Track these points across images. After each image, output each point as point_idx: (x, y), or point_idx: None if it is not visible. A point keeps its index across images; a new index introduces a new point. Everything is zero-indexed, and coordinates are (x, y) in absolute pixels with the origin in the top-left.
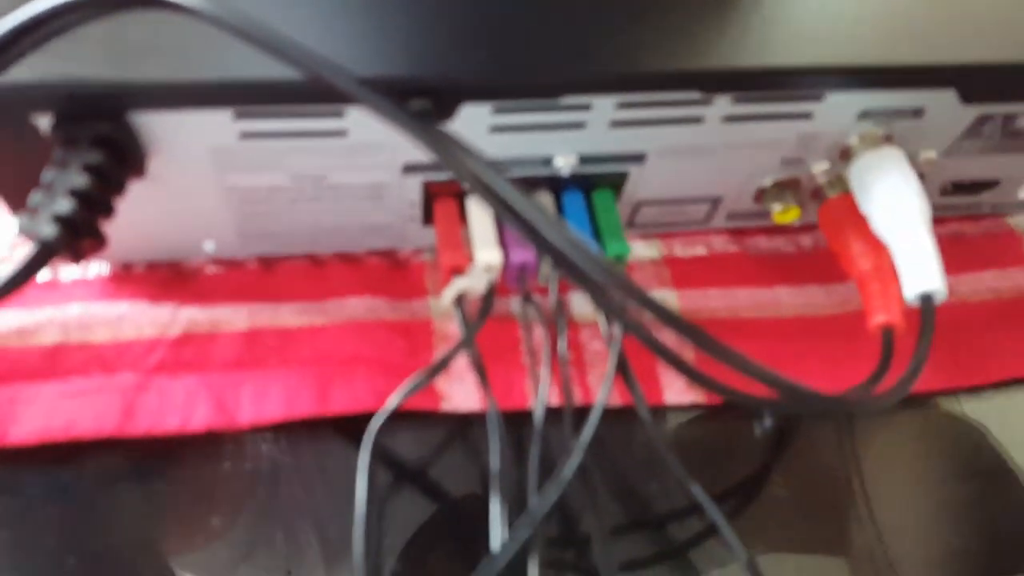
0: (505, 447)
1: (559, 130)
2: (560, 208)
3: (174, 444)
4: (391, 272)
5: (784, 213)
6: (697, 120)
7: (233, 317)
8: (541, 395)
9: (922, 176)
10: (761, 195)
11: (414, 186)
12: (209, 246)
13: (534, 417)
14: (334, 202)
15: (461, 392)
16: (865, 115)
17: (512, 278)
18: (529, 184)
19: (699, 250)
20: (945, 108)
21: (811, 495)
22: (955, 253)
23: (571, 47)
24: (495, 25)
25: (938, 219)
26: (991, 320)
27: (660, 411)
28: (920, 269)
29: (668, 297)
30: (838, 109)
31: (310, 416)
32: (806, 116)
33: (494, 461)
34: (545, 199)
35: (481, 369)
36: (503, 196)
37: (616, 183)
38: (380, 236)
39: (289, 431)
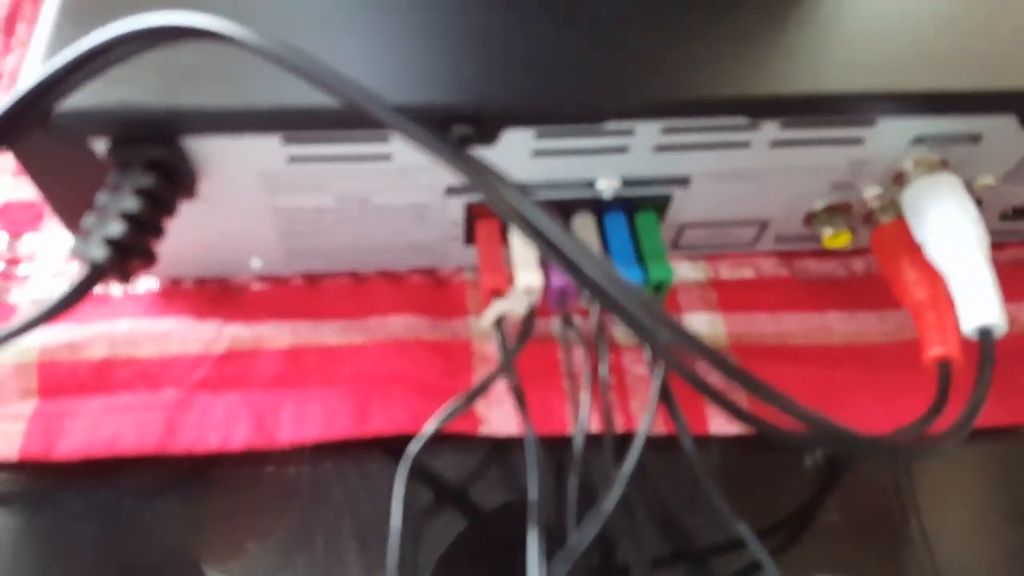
0: (543, 475)
1: (602, 154)
2: (602, 230)
3: (214, 460)
4: (433, 291)
5: (835, 238)
6: (744, 145)
7: (276, 334)
8: (581, 422)
9: (980, 202)
10: (811, 219)
11: (457, 207)
12: (256, 263)
13: (574, 444)
14: (378, 222)
15: (500, 416)
16: (919, 141)
17: (553, 300)
18: (571, 205)
19: (746, 272)
20: (1004, 134)
21: (863, 530)
22: (1016, 280)
23: (615, 72)
24: (538, 50)
25: (998, 244)
26: None
27: (705, 441)
28: (979, 301)
29: (715, 321)
30: (891, 135)
31: (349, 437)
32: (857, 142)
33: (532, 490)
34: (587, 220)
35: (520, 394)
36: (539, 227)
37: (660, 205)
38: (422, 255)
39: (331, 448)
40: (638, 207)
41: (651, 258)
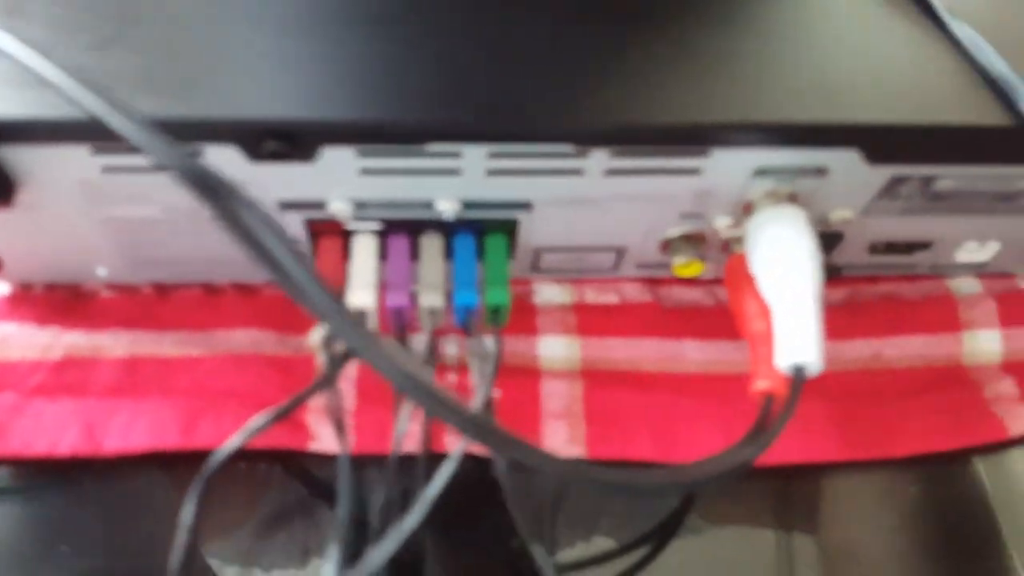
0: (354, 493)
1: (436, 175)
2: (449, 251)
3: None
4: (285, 305)
5: (685, 267)
6: (577, 172)
7: (115, 343)
8: (395, 440)
9: (840, 235)
10: (667, 246)
11: (295, 222)
12: (102, 272)
13: (388, 463)
14: (216, 234)
15: (330, 433)
16: (763, 172)
17: (389, 320)
18: (419, 226)
19: (610, 298)
20: (850, 168)
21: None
22: (886, 314)
23: (440, 94)
24: (363, 68)
25: (873, 278)
26: (915, 388)
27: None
28: (795, 337)
29: (571, 345)
30: (729, 166)
31: (176, 448)
32: (695, 172)
33: (341, 509)
34: (433, 241)
35: (337, 413)
36: (256, 237)
37: (509, 229)
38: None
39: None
40: (487, 230)
41: (491, 282)
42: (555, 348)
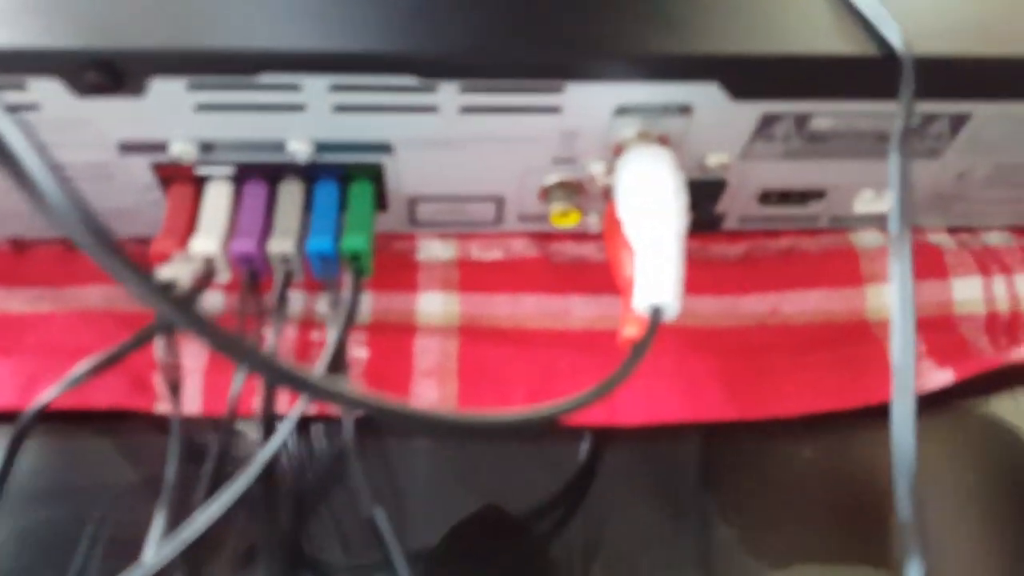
0: (184, 454)
1: (278, 112)
2: (310, 198)
3: None
4: (143, 260)
5: (562, 216)
6: (431, 109)
7: None
8: (230, 402)
9: (723, 182)
10: (546, 195)
11: (142, 168)
12: None
13: (220, 424)
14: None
15: (183, 394)
16: (624, 111)
17: (239, 268)
18: (278, 171)
19: (495, 253)
20: (714, 105)
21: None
22: (785, 269)
23: (274, 20)
24: None
25: (774, 233)
26: (813, 344)
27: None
28: (652, 279)
29: (449, 301)
30: (589, 103)
31: (12, 408)
32: (555, 110)
33: (169, 470)
34: (293, 188)
35: (172, 370)
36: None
37: (373, 175)
38: (135, 222)
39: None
40: (352, 176)
41: (351, 228)
42: (433, 304)
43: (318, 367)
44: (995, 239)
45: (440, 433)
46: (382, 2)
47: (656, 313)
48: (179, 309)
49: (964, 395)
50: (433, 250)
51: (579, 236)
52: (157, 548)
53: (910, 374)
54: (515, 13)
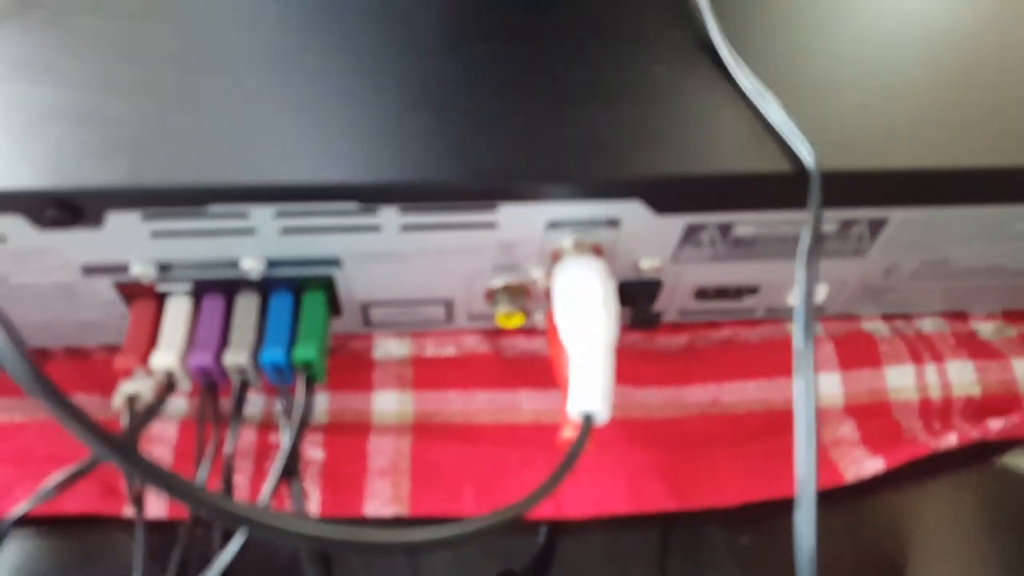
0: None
1: (231, 236)
2: (264, 310)
3: None
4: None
5: (507, 317)
6: (374, 229)
7: None
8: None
9: (658, 283)
10: (492, 297)
11: (105, 286)
12: None
13: (180, 528)
14: (31, 300)
15: (150, 498)
16: (556, 225)
17: (199, 380)
18: (234, 286)
19: (448, 350)
20: (640, 219)
21: None
22: (725, 360)
23: (220, 155)
24: (143, 131)
25: (714, 324)
26: (751, 434)
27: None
28: (583, 387)
29: (403, 399)
30: (521, 219)
31: None
32: (490, 226)
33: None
34: (249, 301)
35: (132, 476)
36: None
37: (325, 285)
38: (103, 332)
39: None
40: (305, 287)
41: (303, 338)
42: (388, 403)
43: (271, 475)
44: (928, 326)
45: (394, 554)
46: (323, 133)
47: (587, 419)
48: (114, 450)
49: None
50: (389, 348)
51: (529, 332)
52: None
53: (812, 486)
54: (449, 140)
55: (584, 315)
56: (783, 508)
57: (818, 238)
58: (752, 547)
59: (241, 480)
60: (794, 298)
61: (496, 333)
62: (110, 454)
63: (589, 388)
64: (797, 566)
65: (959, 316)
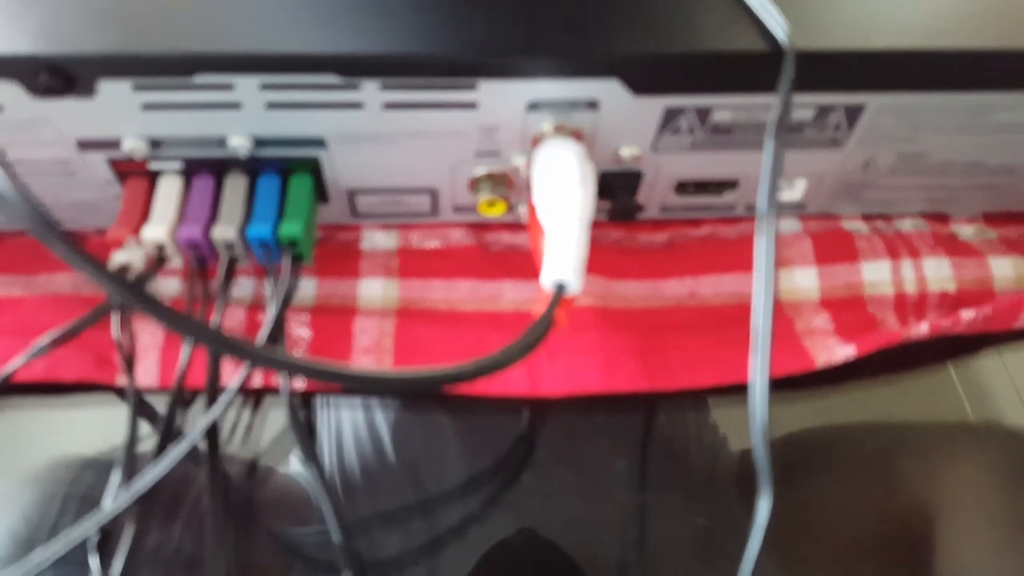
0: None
1: (217, 110)
2: (253, 190)
3: None
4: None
5: (489, 205)
6: (357, 106)
7: None
8: (178, 372)
9: (639, 174)
10: (475, 186)
11: (99, 163)
12: None
13: (170, 397)
14: (31, 179)
15: (141, 369)
16: (536, 106)
17: (188, 253)
18: (223, 165)
19: (434, 243)
20: (618, 100)
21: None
22: (703, 254)
23: (208, 25)
24: (135, 2)
25: (695, 221)
26: (725, 323)
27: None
28: (556, 257)
29: (389, 286)
30: (502, 99)
31: None
32: (471, 105)
33: (127, 437)
34: (238, 181)
35: (127, 345)
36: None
37: (311, 168)
38: (99, 214)
39: None
40: (292, 169)
41: (288, 217)
42: (374, 289)
43: (258, 340)
44: (908, 225)
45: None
46: (308, 6)
47: (559, 289)
48: (120, 285)
49: (946, 355)
50: (376, 240)
51: (514, 226)
52: (114, 498)
53: (767, 343)
54: (431, 15)
55: (560, 191)
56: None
57: (787, 112)
58: (718, 427)
59: None
60: None
61: (482, 227)
62: (127, 294)
63: (562, 259)
64: (752, 417)
65: (940, 218)
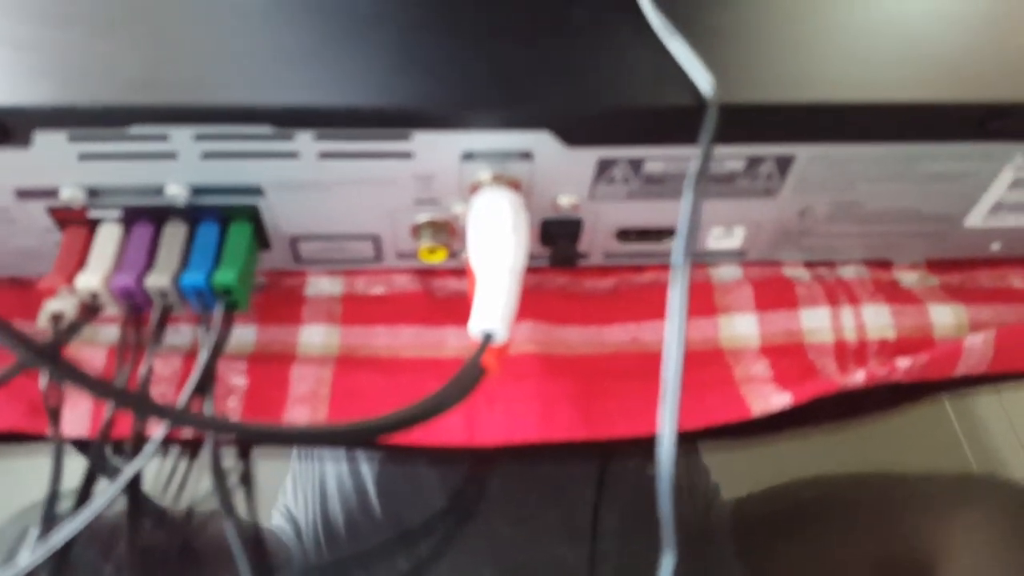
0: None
1: (152, 160)
2: (192, 238)
3: None
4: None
5: (429, 252)
6: (293, 155)
7: None
8: (103, 424)
9: (579, 221)
10: (417, 233)
11: (39, 212)
12: None
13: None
14: None
15: (73, 417)
16: (470, 156)
17: (122, 303)
18: (163, 213)
19: (379, 289)
20: (552, 151)
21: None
22: (645, 301)
23: (142, 76)
24: (70, 56)
25: (640, 268)
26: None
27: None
28: (485, 306)
29: (331, 332)
30: (437, 149)
31: None
32: (406, 155)
33: (49, 489)
34: (176, 229)
35: (54, 396)
36: None
37: (251, 215)
38: (41, 261)
39: None
40: (232, 217)
41: (224, 265)
42: (315, 336)
43: (184, 391)
44: (850, 272)
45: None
46: (241, 57)
47: (487, 338)
48: (29, 349)
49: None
50: (321, 286)
51: (460, 272)
52: (31, 552)
53: (676, 395)
54: (366, 67)
55: (492, 239)
56: (691, 440)
57: (707, 165)
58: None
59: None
60: (714, 241)
61: (428, 273)
62: (32, 357)
63: (490, 308)
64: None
65: (883, 265)
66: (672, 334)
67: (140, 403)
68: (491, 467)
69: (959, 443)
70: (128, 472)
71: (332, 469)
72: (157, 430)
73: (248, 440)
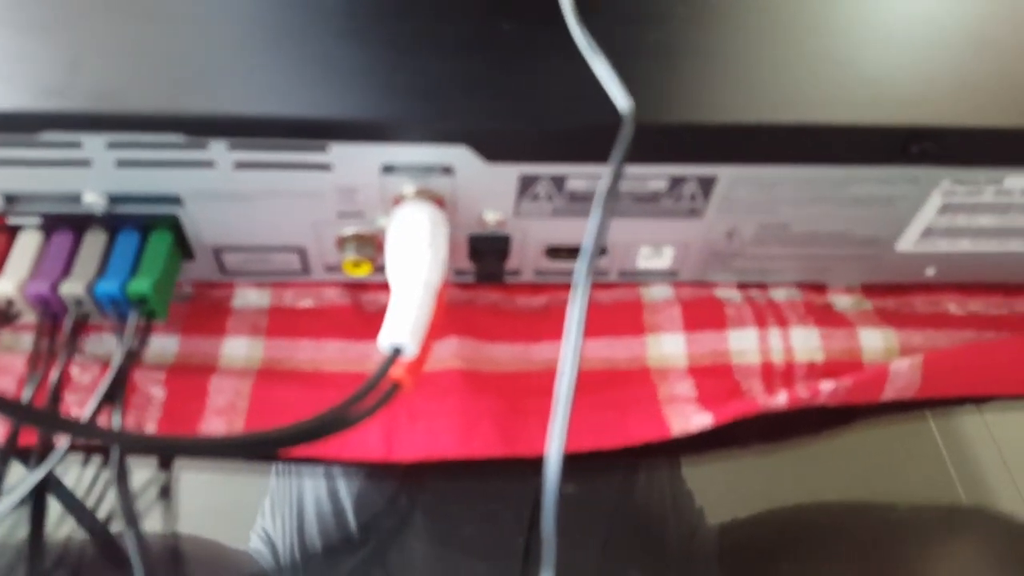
0: None
1: (67, 167)
2: (111, 247)
3: None
4: None
5: (354, 266)
6: (208, 165)
7: None
8: (9, 435)
9: (507, 238)
10: (342, 246)
11: None
12: None
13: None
14: None
15: None
16: (391, 169)
17: (36, 309)
18: (84, 222)
19: (307, 301)
20: (472, 167)
21: None
22: (604, 319)
23: (54, 83)
24: None
25: (568, 286)
26: (589, 388)
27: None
28: (395, 320)
29: (254, 345)
30: (355, 162)
31: None
32: (325, 167)
33: None
34: (97, 238)
35: None
36: None
37: (171, 225)
38: None
39: None
40: (153, 226)
41: (141, 274)
42: (238, 348)
43: (92, 400)
44: (782, 295)
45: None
46: (160, 63)
47: (395, 352)
48: None
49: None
50: (249, 298)
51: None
52: None
53: (566, 413)
54: (284, 77)
55: (408, 252)
56: (610, 458)
57: (616, 183)
58: (575, 495)
59: (74, 408)
60: (643, 260)
61: (358, 287)
62: None
63: (401, 321)
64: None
65: (817, 289)
66: (567, 352)
67: (39, 416)
68: (477, 490)
69: (945, 467)
70: (30, 480)
71: (311, 490)
72: (63, 440)
73: (148, 451)
